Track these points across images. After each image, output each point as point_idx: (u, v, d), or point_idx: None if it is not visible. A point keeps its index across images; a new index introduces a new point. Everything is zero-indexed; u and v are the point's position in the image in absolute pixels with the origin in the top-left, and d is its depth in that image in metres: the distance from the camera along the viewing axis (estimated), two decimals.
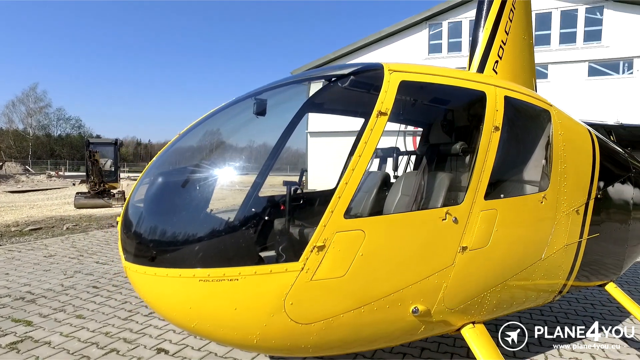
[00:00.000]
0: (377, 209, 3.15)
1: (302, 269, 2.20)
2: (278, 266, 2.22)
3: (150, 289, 2.41)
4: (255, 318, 2.24)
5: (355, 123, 5.33)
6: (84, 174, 27.43)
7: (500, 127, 2.81)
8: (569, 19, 21.20)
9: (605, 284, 3.97)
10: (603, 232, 3.70)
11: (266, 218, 2.83)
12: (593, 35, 20.93)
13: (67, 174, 43.66)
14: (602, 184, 3.66)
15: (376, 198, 3.38)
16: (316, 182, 3.81)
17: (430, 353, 4.01)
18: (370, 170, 3.95)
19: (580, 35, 21.11)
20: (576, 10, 21.11)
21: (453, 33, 23.48)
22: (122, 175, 23.24)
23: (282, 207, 3.24)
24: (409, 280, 2.47)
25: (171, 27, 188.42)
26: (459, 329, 2.87)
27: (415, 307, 2.49)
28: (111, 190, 17.16)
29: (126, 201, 2.73)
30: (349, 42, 34.88)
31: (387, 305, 2.42)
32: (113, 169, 18.66)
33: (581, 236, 3.46)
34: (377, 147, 4.10)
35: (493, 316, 3.11)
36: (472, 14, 22.60)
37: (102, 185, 16.50)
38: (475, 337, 2.79)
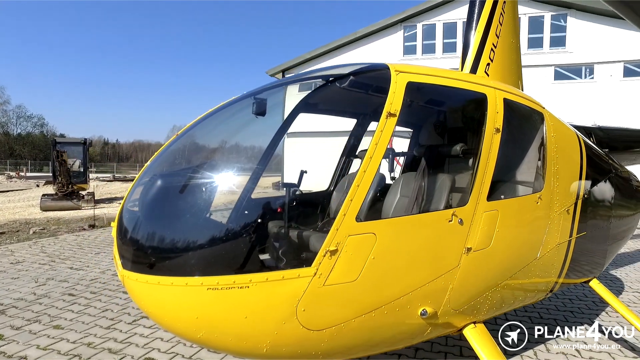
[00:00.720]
0: (378, 211, 3.12)
1: (315, 274, 2.14)
2: (290, 272, 2.15)
3: (152, 299, 2.27)
4: (266, 326, 2.16)
5: (336, 124, 5.29)
6: (48, 174, 26.14)
7: (500, 129, 2.85)
8: (536, 24, 22.07)
9: (589, 281, 4.12)
10: (589, 231, 3.84)
11: (276, 222, 2.74)
12: (558, 41, 21.91)
13: (29, 174, 41.41)
14: (588, 184, 3.80)
15: (375, 200, 3.35)
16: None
17: (424, 353, 4.04)
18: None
19: (546, 41, 22.03)
20: (542, 16, 22.01)
21: (427, 35, 23.94)
22: (90, 176, 22.27)
23: (279, 210, 3.17)
24: (418, 282, 2.46)
25: (138, 25, 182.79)
26: (460, 329, 2.88)
27: (423, 310, 2.48)
28: (80, 192, 16.44)
29: (121, 205, 2.57)
30: (323, 42, 34.96)
31: (397, 308, 2.40)
32: (82, 170, 17.86)
33: (571, 235, 3.57)
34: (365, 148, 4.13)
35: (492, 315, 3.16)
36: (445, 17, 23.16)
37: (70, 186, 15.76)
38: (477, 337, 2.81)
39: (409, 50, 24.25)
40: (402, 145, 4.56)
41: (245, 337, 2.19)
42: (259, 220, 2.60)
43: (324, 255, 2.15)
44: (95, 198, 16.89)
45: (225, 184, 2.76)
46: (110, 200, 19.51)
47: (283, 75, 26.40)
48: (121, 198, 20.61)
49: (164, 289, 2.17)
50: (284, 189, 2.91)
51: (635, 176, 5.06)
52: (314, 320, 2.20)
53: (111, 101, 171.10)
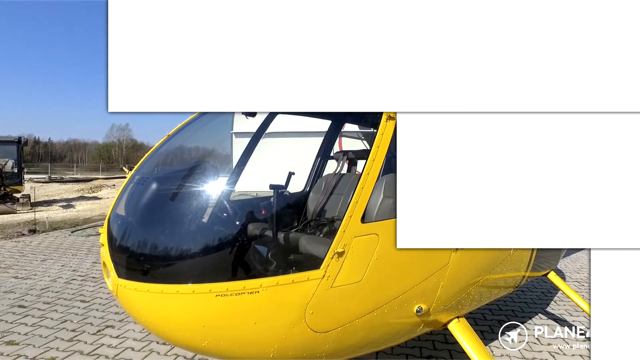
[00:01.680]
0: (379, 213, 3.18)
1: (324, 276, 2.16)
2: (300, 275, 2.15)
3: (153, 308, 2.15)
4: (275, 331, 2.14)
5: (297, 124, 5.18)
6: None
7: None
8: None
9: (547, 273, 4.51)
10: None
11: (283, 225, 2.70)
12: None
13: None
14: None
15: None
16: (246, 184, 3.69)
17: (400, 349, 4.17)
18: (344, 173, 4.00)
19: None
20: None
21: None
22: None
23: (263, 212, 3.14)
24: (414, 281, 2.55)
25: (73, 20, 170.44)
26: (445, 324, 3.03)
27: (419, 307, 2.58)
28: (14, 195, 15.00)
29: (110, 208, 2.41)
30: None
31: (396, 307, 2.48)
32: (16, 171, 16.27)
33: None
34: (342, 150, 4.19)
35: (472, 309, 3.35)
36: None
37: (3, 189, 14.34)
38: (462, 331, 2.96)
39: None
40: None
41: (252, 343, 2.16)
42: (264, 224, 2.55)
43: (332, 257, 2.18)
44: (32, 201, 15.51)
45: (226, 188, 2.68)
46: (49, 202, 18.00)
47: None
48: (61, 201, 19.10)
49: (168, 298, 2.07)
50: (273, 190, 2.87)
51: None
52: (321, 322, 2.22)
53: (40, 98, 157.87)
